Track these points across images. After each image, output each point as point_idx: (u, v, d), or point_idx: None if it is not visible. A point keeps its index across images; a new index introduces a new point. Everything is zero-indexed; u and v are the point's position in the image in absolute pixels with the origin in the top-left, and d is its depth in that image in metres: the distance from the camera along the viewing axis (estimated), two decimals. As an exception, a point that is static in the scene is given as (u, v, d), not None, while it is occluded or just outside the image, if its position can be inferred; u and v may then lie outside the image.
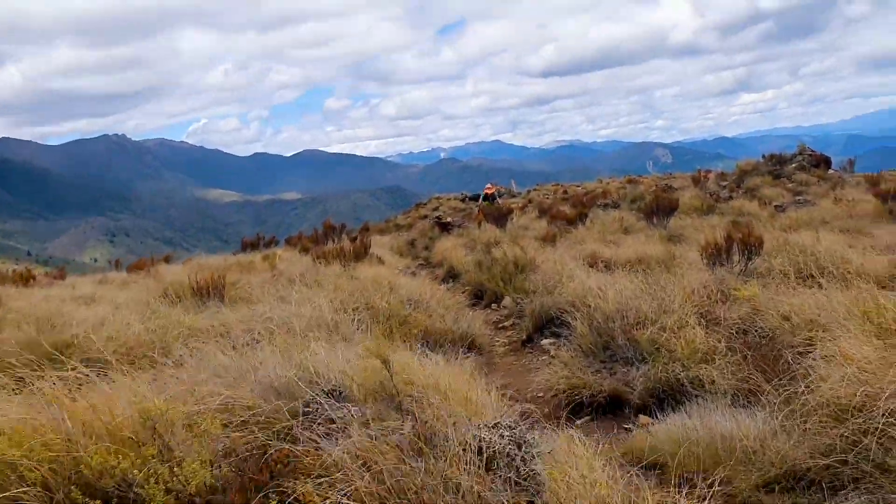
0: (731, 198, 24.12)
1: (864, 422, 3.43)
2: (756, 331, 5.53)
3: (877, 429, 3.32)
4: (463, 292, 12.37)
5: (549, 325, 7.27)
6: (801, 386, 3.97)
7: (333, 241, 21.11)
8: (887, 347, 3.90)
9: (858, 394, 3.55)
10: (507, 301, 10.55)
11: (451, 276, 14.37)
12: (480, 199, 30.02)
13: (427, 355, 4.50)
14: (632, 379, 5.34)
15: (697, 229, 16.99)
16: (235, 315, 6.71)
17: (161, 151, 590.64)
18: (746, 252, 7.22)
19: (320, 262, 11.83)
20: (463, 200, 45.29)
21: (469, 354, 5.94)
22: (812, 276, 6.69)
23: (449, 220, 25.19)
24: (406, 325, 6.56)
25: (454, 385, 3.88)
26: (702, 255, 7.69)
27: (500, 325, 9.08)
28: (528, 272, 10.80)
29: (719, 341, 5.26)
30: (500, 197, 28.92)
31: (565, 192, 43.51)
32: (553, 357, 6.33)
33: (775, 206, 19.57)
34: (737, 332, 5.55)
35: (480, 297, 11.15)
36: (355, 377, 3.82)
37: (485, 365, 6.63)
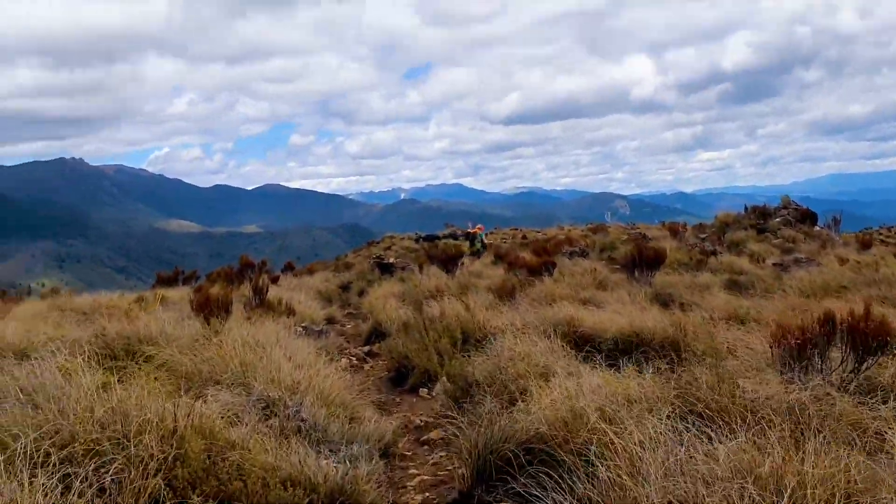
0: (715, 252, 21.24)
1: None
2: None
3: None
4: (386, 363, 8.97)
5: (503, 472, 3.88)
6: None
7: (250, 279, 17.56)
8: None
9: None
10: (440, 387, 7.18)
11: (378, 335, 10.96)
12: (463, 239, 26.38)
13: None
14: None
15: (690, 288, 13.91)
16: None
17: (119, 178, 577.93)
18: (855, 345, 4.02)
19: (201, 313, 8.30)
20: (416, 241, 42.11)
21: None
22: None
23: (391, 260, 21.77)
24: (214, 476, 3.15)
25: None
26: (773, 347, 4.43)
27: (425, 440, 5.66)
28: (475, 344, 7.47)
29: None
30: (483, 238, 25.38)
31: (524, 237, 40.65)
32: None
33: (774, 265, 16.64)
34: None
35: (405, 375, 7.75)
36: None
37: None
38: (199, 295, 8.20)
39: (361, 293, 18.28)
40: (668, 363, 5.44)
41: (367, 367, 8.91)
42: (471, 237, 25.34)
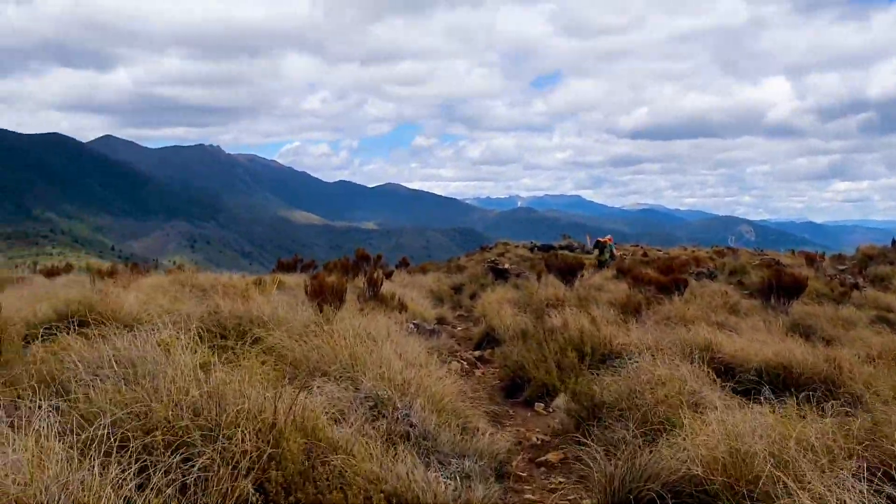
0: (858, 285, 19.38)
1: None
2: None
3: None
4: (497, 371, 8.45)
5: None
6: None
7: (365, 272, 17.54)
8: None
9: None
10: (560, 401, 6.58)
11: (490, 340, 10.45)
12: (592, 247, 25.89)
13: None
14: None
15: (832, 322, 12.60)
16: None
17: (252, 167, 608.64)
18: None
19: (315, 300, 8.11)
20: (531, 249, 41.36)
21: None
22: None
23: (506, 266, 21.23)
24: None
25: None
26: None
27: (542, 461, 5.09)
28: (599, 360, 6.82)
29: None
30: (613, 249, 24.73)
31: (645, 254, 39.04)
32: None
33: (936, 305, 14.86)
34: None
35: (520, 386, 7.19)
36: None
37: None
38: (315, 282, 7.99)
39: (473, 296, 17.86)
40: (817, 402, 4.63)
41: (477, 372, 8.41)
42: (600, 246, 24.67)
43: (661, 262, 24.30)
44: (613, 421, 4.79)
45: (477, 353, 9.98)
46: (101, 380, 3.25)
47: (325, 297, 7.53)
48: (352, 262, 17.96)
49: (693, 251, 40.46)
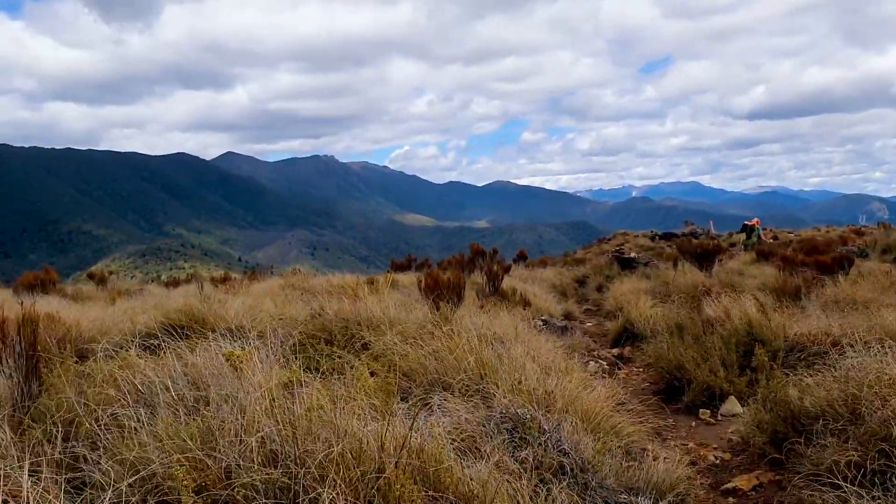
0: None
1: None
2: None
3: None
4: (642, 372, 7.31)
5: None
6: None
7: (481, 268, 16.65)
8: None
9: None
10: (730, 406, 5.40)
11: (629, 336, 9.27)
12: (739, 232, 24.63)
13: None
14: None
15: None
16: None
17: (364, 174, 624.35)
18: None
19: (430, 296, 7.25)
20: (652, 239, 39.48)
21: None
22: None
23: (632, 255, 19.76)
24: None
25: None
26: None
27: (730, 489, 3.94)
28: (774, 356, 5.55)
29: None
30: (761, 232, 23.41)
31: (776, 237, 36.32)
32: None
33: None
34: None
35: (677, 390, 6.01)
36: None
37: None
38: (430, 277, 7.12)
39: (600, 289, 16.59)
40: None
41: (620, 373, 7.28)
42: (748, 229, 23.17)
43: (802, 243, 22.14)
44: (826, 436, 3.61)
45: (615, 350, 8.83)
46: (154, 408, 2.47)
47: (441, 293, 6.66)
48: (467, 258, 17.09)
49: (828, 231, 37.26)
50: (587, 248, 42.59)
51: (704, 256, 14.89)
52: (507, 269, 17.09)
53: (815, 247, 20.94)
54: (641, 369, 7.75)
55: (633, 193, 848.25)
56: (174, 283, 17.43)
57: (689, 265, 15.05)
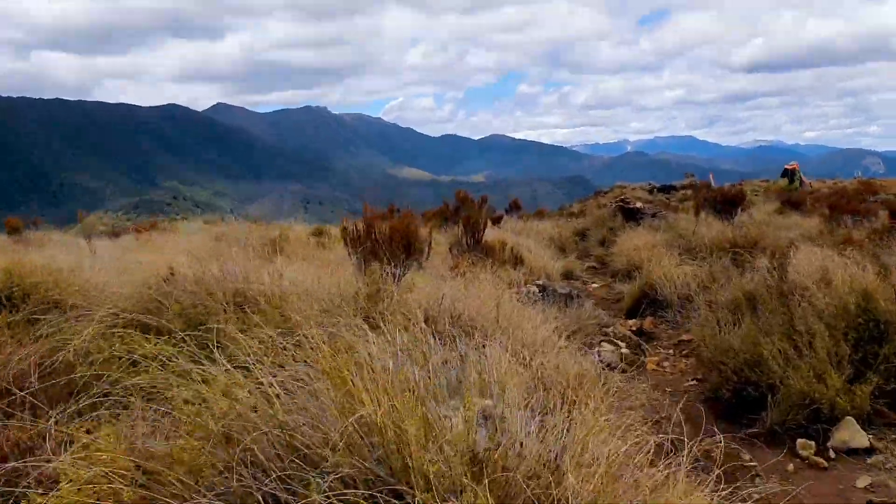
0: None
1: None
2: None
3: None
4: (673, 356, 5.21)
5: None
6: None
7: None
8: None
9: None
10: (848, 433, 3.28)
11: (649, 302, 7.15)
12: (781, 177, 22.59)
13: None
14: None
15: None
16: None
17: (358, 126, 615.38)
18: None
19: (362, 255, 5.05)
20: (651, 192, 37.81)
21: None
22: None
23: (638, 205, 17.57)
24: None
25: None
26: None
27: None
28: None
29: None
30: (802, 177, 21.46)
31: (768, 189, 34.60)
32: None
33: None
34: None
35: (748, 398, 3.89)
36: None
37: None
38: (356, 227, 4.84)
39: (603, 242, 14.44)
40: None
41: (649, 362, 5.16)
42: (789, 174, 21.18)
43: (827, 195, 20.06)
44: None
45: (632, 323, 6.71)
46: None
47: (380, 249, 4.50)
48: (452, 207, 14.83)
49: (835, 183, 35.64)
50: (583, 201, 40.58)
51: (728, 204, 12.72)
52: (496, 220, 14.91)
53: (841, 195, 18.91)
54: (672, 353, 5.64)
55: (629, 147, 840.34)
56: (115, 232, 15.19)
57: (709, 216, 12.90)
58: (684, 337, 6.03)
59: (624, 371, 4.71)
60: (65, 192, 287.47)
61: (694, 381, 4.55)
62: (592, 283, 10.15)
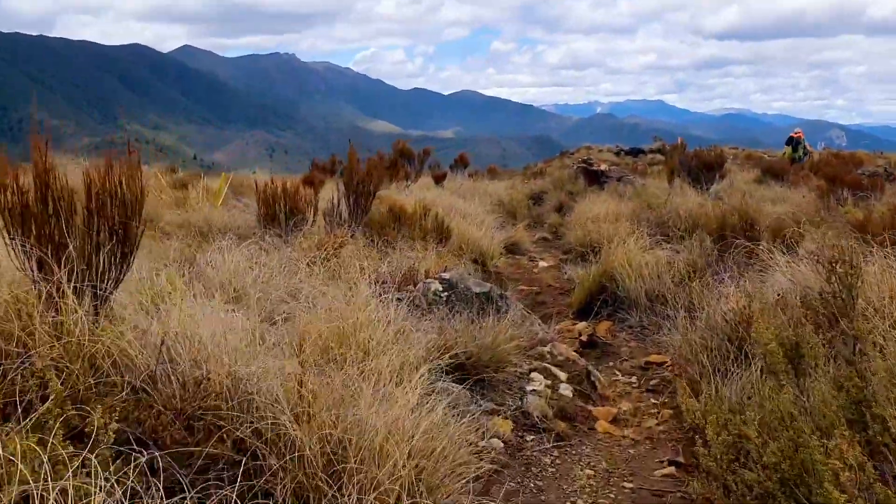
0: None
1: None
2: None
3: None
4: (651, 407, 3.34)
5: None
6: None
7: (406, 176, 12.54)
8: None
9: None
10: None
11: (606, 300, 5.33)
12: (787, 145, 20.92)
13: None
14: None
15: None
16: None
17: (327, 75, 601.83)
18: None
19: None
20: (617, 154, 36.25)
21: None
22: None
23: (602, 168, 15.75)
24: None
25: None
26: None
27: None
28: None
29: None
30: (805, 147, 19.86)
31: (749, 156, 33.19)
32: None
33: None
34: None
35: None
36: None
37: None
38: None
39: (560, 209, 12.60)
40: None
41: (600, 417, 3.33)
42: (794, 142, 19.51)
43: (815, 164, 18.52)
44: None
45: (582, 327, 4.89)
46: None
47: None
48: (389, 160, 12.77)
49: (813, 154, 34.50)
50: (549, 162, 38.90)
51: (705, 170, 10.94)
52: (439, 179, 12.96)
53: (834, 167, 17.31)
54: (637, 385, 3.82)
55: (598, 109, 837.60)
56: None
57: (683, 182, 11.11)
58: (653, 358, 4.24)
59: (558, 439, 2.89)
60: (24, 129, 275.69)
61: (671, 468, 2.75)
62: (541, 259, 8.31)
